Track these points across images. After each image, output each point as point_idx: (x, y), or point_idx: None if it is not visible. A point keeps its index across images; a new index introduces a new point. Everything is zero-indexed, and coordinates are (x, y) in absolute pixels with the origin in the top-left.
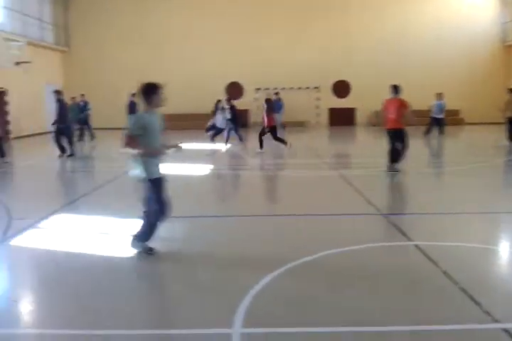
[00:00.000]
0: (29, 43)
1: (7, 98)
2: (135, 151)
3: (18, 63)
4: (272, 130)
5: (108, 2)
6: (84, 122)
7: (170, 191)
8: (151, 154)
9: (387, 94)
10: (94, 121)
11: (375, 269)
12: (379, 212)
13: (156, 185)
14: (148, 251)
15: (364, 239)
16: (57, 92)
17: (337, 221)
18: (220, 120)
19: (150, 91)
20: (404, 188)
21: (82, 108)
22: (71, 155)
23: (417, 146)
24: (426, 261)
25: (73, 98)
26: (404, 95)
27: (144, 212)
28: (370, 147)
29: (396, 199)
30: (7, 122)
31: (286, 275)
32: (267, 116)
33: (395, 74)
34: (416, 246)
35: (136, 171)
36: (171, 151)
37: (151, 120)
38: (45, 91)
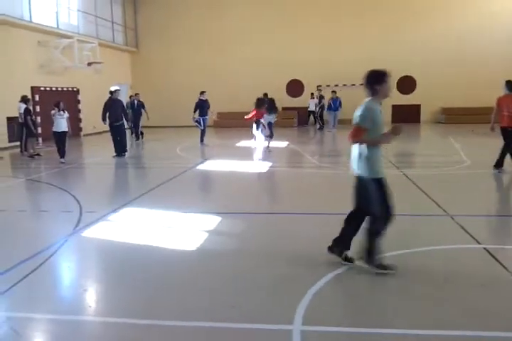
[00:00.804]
0: (100, 44)
1: (79, 97)
2: (362, 145)
3: (90, 64)
4: (256, 123)
5: (174, 5)
6: (135, 121)
7: (233, 188)
8: (379, 142)
9: (454, 91)
10: (159, 120)
11: (440, 272)
12: (446, 213)
13: (381, 185)
14: (385, 268)
15: (430, 240)
16: (112, 92)
17: (401, 221)
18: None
19: (379, 79)
20: (477, 189)
21: (137, 107)
22: (119, 154)
23: None
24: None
25: (131, 97)
26: (470, 93)
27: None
28: (437, 145)
29: (468, 200)
30: (79, 120)
31: (347, 274)
32: (256, 111)
33: (461, 71)
34: (485, 249)
35: (359, 170)
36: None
37: (379, 112)
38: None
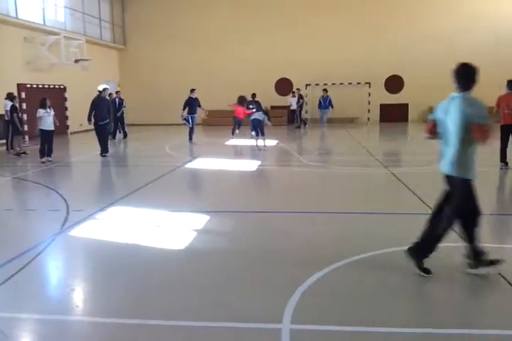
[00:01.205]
0: (88, 41)
1: (66, 94)
2: (462, 145)
3: (77, 61)
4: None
5: (163, 2)
6: (119, 120)
7: (222, 187)
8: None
9: (443, 90)
10: (149, 117)
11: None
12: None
13: (471, 187)
14: (426, 271)
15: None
16: (101, 91)
17: (396, 219)
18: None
19: (473, 72)
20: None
21: (118, 105)
22: (103, 154)
23: None
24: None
25: (110, 95)
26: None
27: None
28: (425, 144)
29: None
30: (66, 117)
31: (336, 272)
32: (236, 107)
33: (449, 71)
34: None
35: (454, 171)
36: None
37: None
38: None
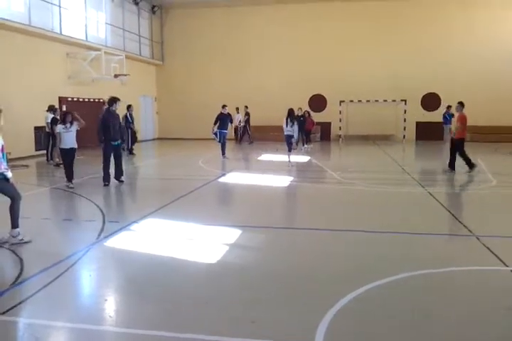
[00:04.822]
0: (127, 57)
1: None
2: None
3: (116, 76)
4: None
5: (199, 20)
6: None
7: (252, 202)
8: None
9: (478, 109)
10: (182, 132)
11: (464, 293)
12: (471, 233)
13: None
14: None
15: (453, 260)
16: (111, 102)
17: (422, 240)
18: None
19: None
20: (500, 208)
21: (131, 121)
22: (119, 179)
23: None
24: None
25: (128, 108)
26: (494, 111)
27: None
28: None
29: (490, 219)
30: None
31: (368, 294)
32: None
33: (487, 88)
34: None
35: None
36: None
37: None
38: (139, 102)
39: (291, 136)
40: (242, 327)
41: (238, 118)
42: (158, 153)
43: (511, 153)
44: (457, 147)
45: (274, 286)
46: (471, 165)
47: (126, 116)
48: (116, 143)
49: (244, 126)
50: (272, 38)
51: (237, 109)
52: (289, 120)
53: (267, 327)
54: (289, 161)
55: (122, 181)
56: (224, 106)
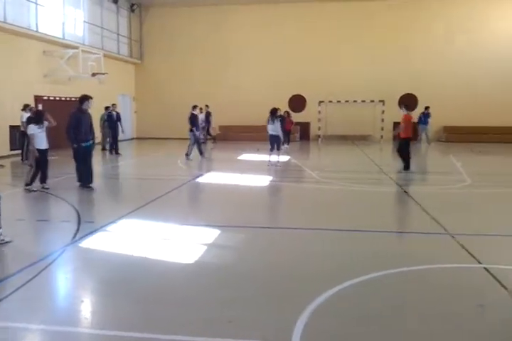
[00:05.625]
0: (105, 55)
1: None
2: None
3: (94, 74)
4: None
5: (179, 19)
6: (114, 135)
7: (233, 201)
8: None
9: (455, 110)
10: (163, 131)
11: (438, 291)
12: (446, 232)
13: None
14: None
15: (425, 259)
16: (82, 100)
17: (397, 238)
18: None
19: None
20: (475, 207)
21: (116, 120)
22: (85, 184)
23: None
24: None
25: (107, 108)
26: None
27: None
28: (438, 163)
29: (465, 218)
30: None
31: (348, 291)
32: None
33: (465, 88)
34: (485, 269)
35: None
36: None
37: None
38: (118, 101)
39: (274, 136)
40: (219, 327)
41: (202, 118)
42: (137, 153)
43: (481, 152)
44: (402, 146)
45: (251, 286)
46: (407, 166)
47: (108, 115)
48: (87, 143)
49: (204, 127)
50: (252, 38)
51: (200, 108)
52: (269, 119)
53: (244, 327)
54: (269, 161)
55: (91, 188)
56: (194, 107)
